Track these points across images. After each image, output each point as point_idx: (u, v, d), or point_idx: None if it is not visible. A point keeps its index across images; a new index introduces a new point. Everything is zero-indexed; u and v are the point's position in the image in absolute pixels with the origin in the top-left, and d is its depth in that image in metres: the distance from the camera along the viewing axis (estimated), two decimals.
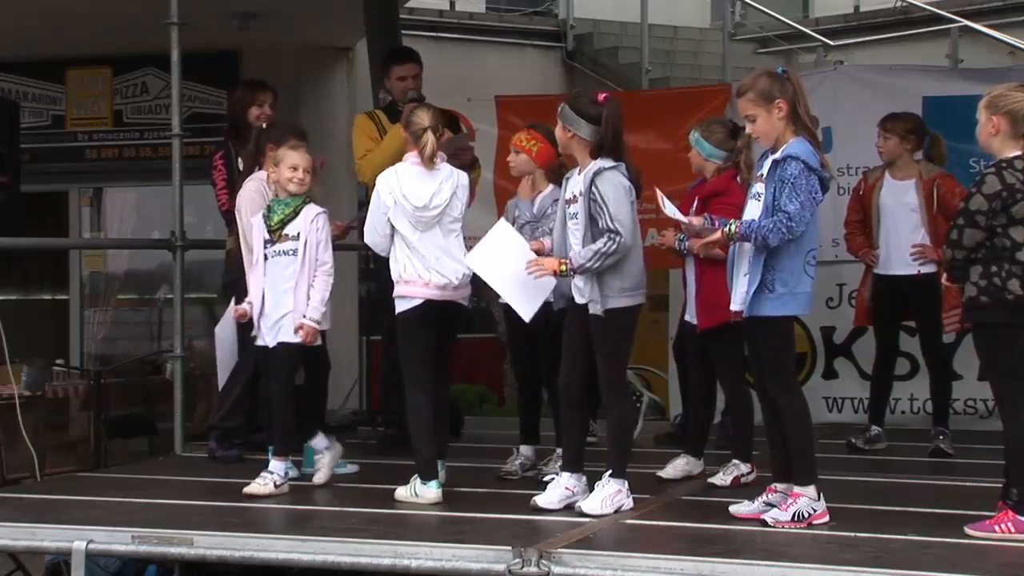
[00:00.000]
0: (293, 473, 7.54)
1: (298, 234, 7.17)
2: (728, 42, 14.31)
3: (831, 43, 13.58)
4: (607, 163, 6.47)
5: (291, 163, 7.20)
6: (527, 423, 7.71)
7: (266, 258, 7.22)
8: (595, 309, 6.43)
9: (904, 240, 8.30)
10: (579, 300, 6.55)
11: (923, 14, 13.16)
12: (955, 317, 8.05)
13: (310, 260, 7.18)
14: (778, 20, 14.42)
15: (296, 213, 7.20)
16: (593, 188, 6.41)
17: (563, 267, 6.47)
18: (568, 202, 6.62)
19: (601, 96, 6.61)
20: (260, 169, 7.68)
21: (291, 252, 7.17)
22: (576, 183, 6.57)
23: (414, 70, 8.82)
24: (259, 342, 7.30)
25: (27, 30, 11.53)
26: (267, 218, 7.21)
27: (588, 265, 6.38)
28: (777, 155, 6.15)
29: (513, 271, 6.74)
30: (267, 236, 7.19)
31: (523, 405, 7.82)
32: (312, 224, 7.21)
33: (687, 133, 7.66)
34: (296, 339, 7.18)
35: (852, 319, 9.36)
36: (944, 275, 6.22)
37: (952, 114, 8.71)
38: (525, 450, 7.63)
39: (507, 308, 7.51)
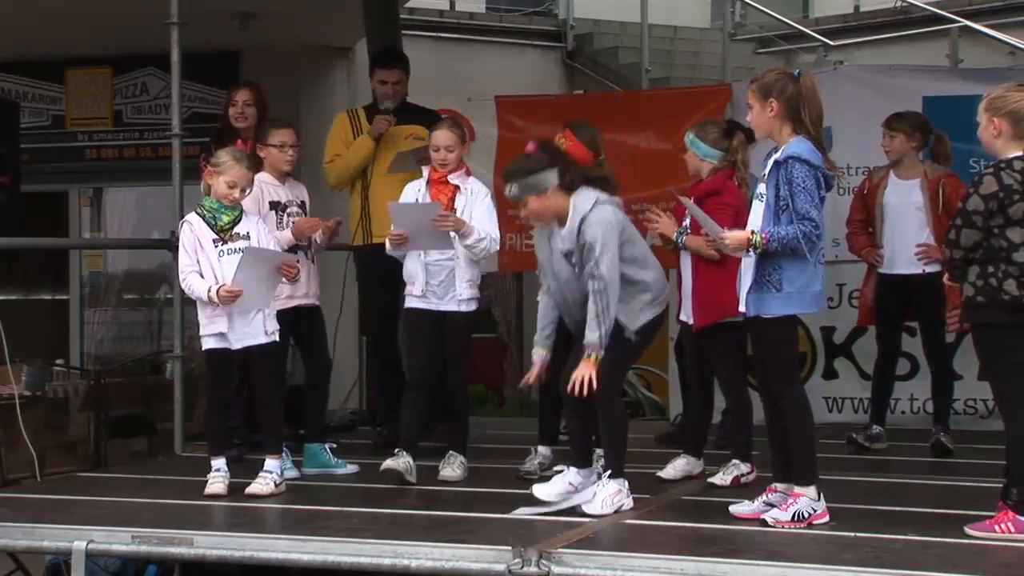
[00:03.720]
0: (292, 473, 7.56)
1: (248, 234, 7.17)
2: (728, 42, 14.32)
3: (831, 43, 13.58)
4: (586, 203, 6.44)
5: (230, 179, 7.12)
6: (548, 423, 7.70)
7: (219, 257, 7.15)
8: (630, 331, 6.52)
9: (909, 239, 8.30)
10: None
11: (923, 14, 13.16)
12: (957, 317, 8.07)
13: None
14: (778, 20, 14.42)
15: (241, 214, 7.21)
16: (581, 237, 6.40)
17: (594, 356, 6.36)
18: (566, 256, 6.58)
19: (531, 146, 6.63)
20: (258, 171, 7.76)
21: (244, 251, 7.15)
22: (565, 239, 6.50)
23: (395, 76, 8.80)
24: (233, 344, 7.15)
25: (27, 30, 11.53)
26: (212, 220, 7.15)
27: (600, 333, 6.34)
28: (779, 156, 6.13)
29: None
30: (215, 236, 7.14)
31: (546, 404, 7.81)
32: (259, 226, 7.26)
33: (684, 135, 7.65)
34: (276, 336, 7.18)
35: (853, 319, 9.37)
36: (946, 275, 6.21)
37: (952, 114, 8.71)
38: (543, 450, 7.63)
39: None
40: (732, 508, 6.32)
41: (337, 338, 8.98)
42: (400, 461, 7.20)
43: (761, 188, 6.23)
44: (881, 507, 6.50)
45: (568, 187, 6.48)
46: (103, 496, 7.25)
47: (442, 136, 7.46)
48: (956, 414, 8.89)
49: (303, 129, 10.86)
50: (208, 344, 7.19)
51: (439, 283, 7.44)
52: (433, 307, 7.44)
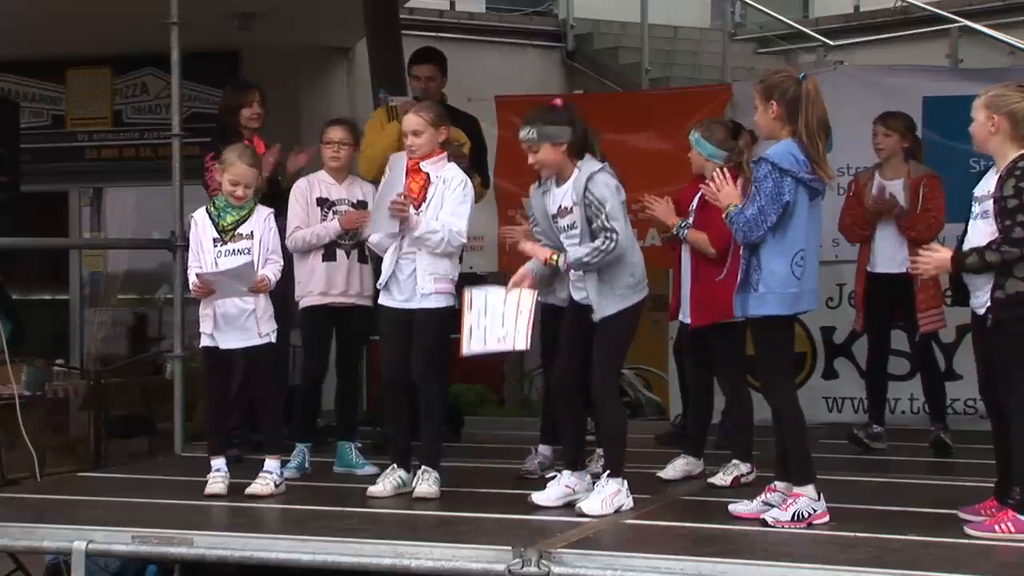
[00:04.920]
0: (292, 473, 7.56)
1: (251, 233, 7.18)
2: (728, 42, 14.34)
3: (831, 43, 13.59)
4: (594, 165, 6.47)
5: (232, 177, 7.16)
6: (549, 423, 7.68)
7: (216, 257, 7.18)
8: (609, 309, 6.45)
9: (893, 239, 8.32)
10: (577, 297, 6.56)
11: (923, 14, 13.18)
12: (934, 317, 8.08)
13: (265, 258, 7.19)
14: (778, 20, 14.44)
15: (250, 214, 7.22)
16: (588, 193, 6.40)
17: (555, 258, 6.48)
18: (557, 215, 6.59)
19: (556, 101, 6.66)
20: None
21: (245, 251, 7.15)
22: (564, 194, 6.52)
23: (427, 71, 8.84)
24: (220, 343, 7.17)
25: (27, 30, 11.52)
26: (216, 218, 7.19)
27: (587, 259, 6.39)
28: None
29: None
30: (216, 235, 7.16)
31: (546, 407, 7.78)
32: (266, 223, 7.24)
33: (687, 133, 7.66)
34: (272, 338, 7.18)
35: (852, 319, 9.37)
36: (949, 274, 6.11)
37: (952, 114, 8.66)
38: (543, 449, 7.62)
39: (544, 306, 7.49)
40: (732, 507, 6.32)
41: None
42: (386, 483, 7.02)
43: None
44: (881, 507, 6.50)
45: (576, 151, 6.49)
46: (103, 496, 7.25)
47: (409, 121, 7.08)
48: (956, 414, 8.90)
49: (303, 129, 10.89)
50: (202, 342, 7.24)
51: (407, 277, 7.02)
52: (400, 305, 7.03)
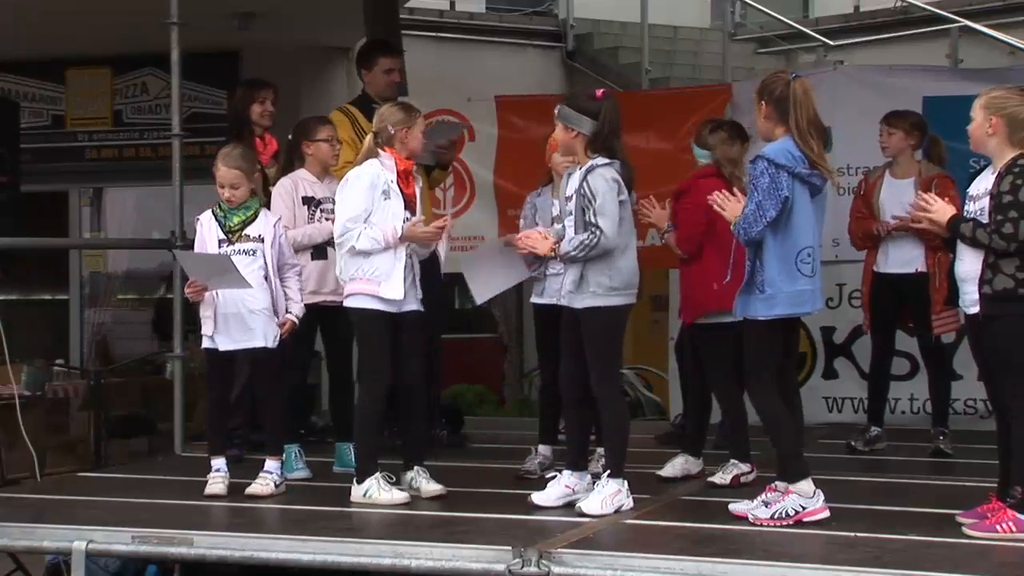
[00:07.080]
0: (304, 473, 7.57)
1: (259, 236, 7.18)
2: (728, 42, 14.33)
3: (831, 43, 13.59)
4: (600, 160, 6.49)
5: (219, 182, 7.19)
6: (548, 423, 7.68)
7: None
8: (579, 303, 6.45)
9: (902, 239, 8.29)
10: (563, 297, 6.56)
11: (923, 14, 13.17)
12: (949, 319, 8.07)
13: (276, 262, 7.19)
14: (778, 20, 14.44)
15: (256, 215, 7.22)
16: (584, 184, 6.42)
17: (553, 252, 6.54)
18: (568, 199, 6.63)
19: (599, 92, 6.64)
20: (299, 167, 7.84)
21: (251, 252, 7.15)
22: (574, 180, 6.58)
23: (400, 63, 8.80)
24: (220, 345, 7.17)
25: (27, 30, 11.53)
26: (223, 219, 7.19)
27: (573, 253, 6.42)
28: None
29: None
30: (222, 236, 7.17)
31: (546, 405, 7.77)
32: (275, 228, 7.25)
33: (687, 133, 7.69)
34: (274, 342, 7.19)
35: (853, 319, 9.37)
36: (942, 233, 6.09)
37: (952, 114, 8.64)
38: (543, 449, 7.62)
39: (538, 306, 7.49)
40: (731, 507, 6.32)
41: None
42: (401, 491, 6.92)
43: None
44: (881, 507, 6.50)
45: (595, 146, 6.49)
46: (103, 496, 7.26)
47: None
48: (956, 414, 8.89)
49: None
50: (204, 344, 7.25)
51: (410, 283, 6.92)
52: (394, 309, 6.88)
